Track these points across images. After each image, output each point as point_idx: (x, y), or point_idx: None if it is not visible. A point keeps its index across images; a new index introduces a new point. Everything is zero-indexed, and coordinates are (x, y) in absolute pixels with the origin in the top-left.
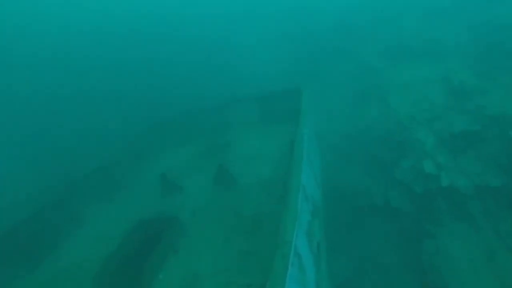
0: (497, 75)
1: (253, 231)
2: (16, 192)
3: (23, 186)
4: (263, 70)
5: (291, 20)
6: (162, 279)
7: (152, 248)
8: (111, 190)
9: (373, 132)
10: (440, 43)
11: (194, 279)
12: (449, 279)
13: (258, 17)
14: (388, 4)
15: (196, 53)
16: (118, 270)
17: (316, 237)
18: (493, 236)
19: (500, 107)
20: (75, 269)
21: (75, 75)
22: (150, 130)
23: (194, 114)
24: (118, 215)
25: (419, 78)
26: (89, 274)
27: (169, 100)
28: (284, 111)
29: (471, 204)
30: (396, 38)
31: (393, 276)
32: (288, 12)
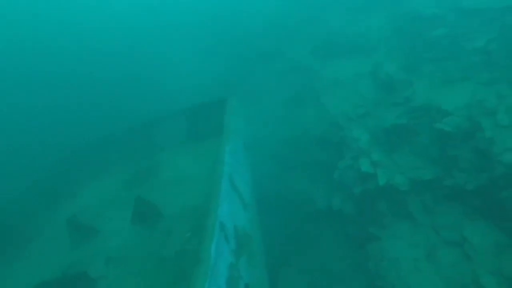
0: (419, 65)
1: (179, 281)
2: None
3: None
4: (191, 82)
5: (217, 27)
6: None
7: None
8: (9, 249)
9: (311, 134)
10: (365, 37)
11: None
12: (395, 282)
13: (181, 26)
14: (311, 2)
15: (113, 67)
16: None
17: (243, 279)
18: (431, 231)
19: (425, 98)
20: None
21: None
22: (62, 161)
23: (115, 137)
24: (15, 281)
25: (349, 74)
26: None
27: (83, 123)
28: (211, 124)
29: (409, 201)
30: (323, 35)
31: (344, 285)
32: (213, 18)
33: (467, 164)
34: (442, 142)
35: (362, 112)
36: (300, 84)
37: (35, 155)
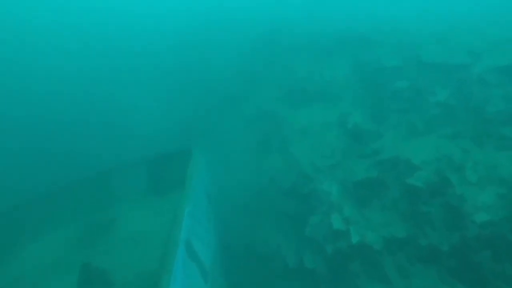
0: (386, 116)
1: None
2: None
3: None
4: (152, 128)
5: (181, 71)
6: None
7: None
8: None
9: (279, 184)
10: (331, 85)
11: None
12: None
13: (143, 69)
14: (277, 46)
15: (66, 111)
16: None
17: None
18: None
19: (393, 150)
20: None
21: None
22: (5, 216)
23: (65, 187)
24: None
25: (316, 123)
26: None
27: (28, 170)
28: (173, 177)
29: (383, 261)
30: (290, 81)
31: None
32: (177, 62)
33: (440, 222)
34: (412, 198)
35: (331, 163)
36: (267, 131)
37: None
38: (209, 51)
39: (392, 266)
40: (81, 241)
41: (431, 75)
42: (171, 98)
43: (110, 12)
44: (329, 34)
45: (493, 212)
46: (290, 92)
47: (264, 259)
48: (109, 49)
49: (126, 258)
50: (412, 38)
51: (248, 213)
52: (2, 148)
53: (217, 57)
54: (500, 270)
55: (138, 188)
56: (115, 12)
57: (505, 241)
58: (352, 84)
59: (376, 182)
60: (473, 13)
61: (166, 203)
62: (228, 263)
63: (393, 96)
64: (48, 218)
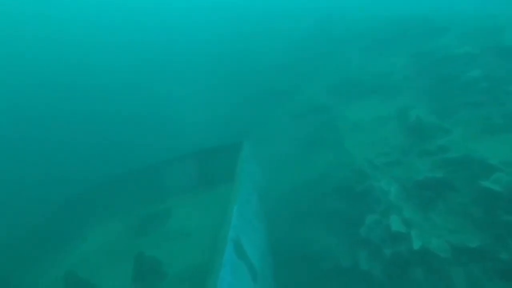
0: (455, 110)
1: None
2: None
3: None
4: (202, 122)
5: (230, 63)
6: None
7: None
8: None
9: (330, 181)
10: (388, 77)
11: None
12: None
13: (192, 63)
14: (329, 38)
15: (120, 106)
16: None
17: None
18: None
19: (463, 149)
20: None
21: None
22: (66, 204)
23: (123, 179)
24: None
25: (371, 117)
26: None
27: (84, 164)
28: (224, 170)
29: (450, 271)
30: (343, 73)
31: None
32: (226, 54)
33: None
34: (489, 203)
35: (389, 160)
36: (318, 125)
37: (41, 192)
38: (260, 43)
39: (463, 278)
40: (135, 231)
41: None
42: (221, 91)
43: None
44: (387, 20)
45: None
46: (343, 84)
47: (314, 258)
48: (160, 42)
49: (177, 250)
50: (491, 22)
51: (297, 210)
52: (67, 139)
53: (268, 48)
54: None
55: (189, 181)
56: (165, 3)
57: None
58: (414, 75)
59: (442, 183)
60: None
61: (216, 196)
62: (277, 262)
63: (464, 88)
64: (108, 206)
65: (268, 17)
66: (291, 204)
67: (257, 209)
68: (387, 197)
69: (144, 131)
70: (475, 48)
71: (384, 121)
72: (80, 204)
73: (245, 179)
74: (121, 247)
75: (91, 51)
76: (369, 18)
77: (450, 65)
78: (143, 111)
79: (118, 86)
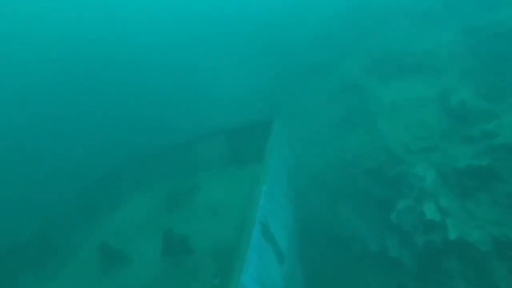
0: (506, 94)
1: None
2: None
3: None
4: (232, 95)
5: (261, 36)
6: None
7: None
8: (51, 263)
9: (362, 163)
10: (433, 55)
11: None
12: None
13: (224, 35)
14: (369, 11)
15: (152, 78)
16: None
17: None
18: None
19: None
20: None
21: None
22: (101, 179)
23: (155, 153)
24: None
25: (412, 98)
26: None
27: (117, 138)
28: (253, 148)
29: (491, 265)
30: (382, 50)
31: None
32: (257, 27)
33: None
34: None
35: (427, 145)
36: (353, 104)
37: (82, 162)
38: (294, 17)
39: (505, 273)
40: (165, 205)
41: None
42: (254, 64)
43: None
44: None
45: None
46: (380, 63)
47: (342, 240)
48: (192, 16)
49: (205, 227)
50: None
51: (327, 190)
52: (100, 113)
53: (301, 23)
54: None
55: (219, 158)
56: None
57: None
58: (461, 54)
59: (486, 171)
60: None
61: (245, 174)
62: (304, 243)
63: None
64: (140, 181)
65: None
66: (321, 185)
67: (287, 189)
68: (422, 184)
69: (176, 105)
70: None
71: (423, 103)
72: (114, 178)
73: (275, 159)
74: (151, 221)
75: (127, 26)
76: None
77: (506, 42)
78: (174, 85)
79: (150, 60)
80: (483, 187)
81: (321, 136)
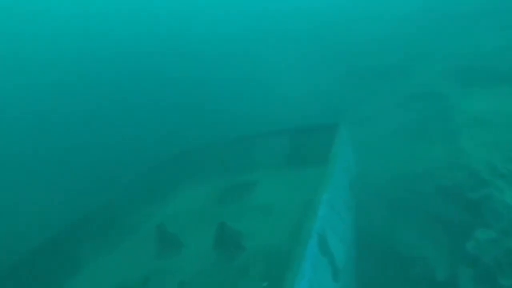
0: None
1: None
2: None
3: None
4: (295, 95)
5: (328, 37)
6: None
7: None
8: (112, 239)
9: (436, 180)
10: None
11: None
12: None
13: (288, 33)
14: (453, 13)
15: (215, 72)
16: None
17: None
18: None
19: None
20: None
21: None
22: (164, 164)
23: (214, 147)
24: (113, 270)
25: (502, 111)
26: None
27: (182, 129)
28: (316, 151)
29: None
30: (468, 56)
31: None
32: (324, 27)
33: None
34: None
35: None
36: (427, 114)
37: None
38: (363, 16)
39: None
40: (221, 198)
41: None
42: (318, 67)
43: None
44: None
45: None
46: (465, 70)
47: (404, 263)
48: (254, 15)
49: (258, 226)
50: None
51: (392, 204)
52: (164, 104)
53: (372, 22)
54: None
55: (279, 158)
56: None
57: None
58: None
59: None
60: None
61: (305, 178)
62: (362, 258)
63: None
64: (199, 171)
65: None
66: (386, 197)
67: (348, 198)
68: (510, 213)
69: (239, 99)
70: None
71: None
72: (174, 165)
73: (338, 166)
74: (205, 212)
75: (193, 19)
76: None
77: None
78: (238, 79)
79: (215, 53)
80: None
81: (388, 145)
